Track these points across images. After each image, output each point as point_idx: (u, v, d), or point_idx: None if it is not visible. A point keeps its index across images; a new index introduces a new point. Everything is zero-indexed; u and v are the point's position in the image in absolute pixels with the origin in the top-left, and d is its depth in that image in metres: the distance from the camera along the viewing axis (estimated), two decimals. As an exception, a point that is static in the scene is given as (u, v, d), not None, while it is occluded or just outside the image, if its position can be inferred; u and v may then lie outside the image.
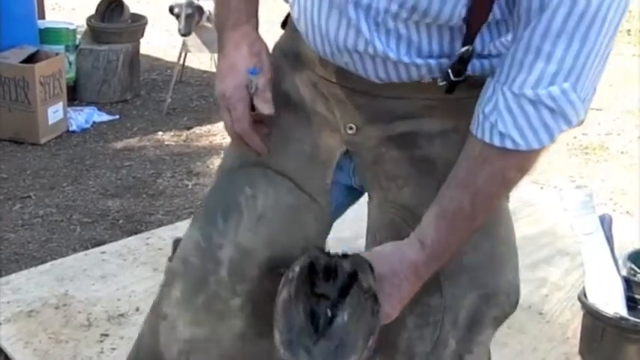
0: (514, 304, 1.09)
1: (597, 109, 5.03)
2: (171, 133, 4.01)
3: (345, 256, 0.97)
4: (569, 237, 2.37)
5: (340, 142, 1.05)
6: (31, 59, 3.75)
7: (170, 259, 1.19)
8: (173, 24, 4.27)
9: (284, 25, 1.13)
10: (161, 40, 5.65)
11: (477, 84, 0.95)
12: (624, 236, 2.45)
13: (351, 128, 1.03)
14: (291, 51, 1.09)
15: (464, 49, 0.92)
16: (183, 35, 4.07)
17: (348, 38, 0.94)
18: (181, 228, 2.51)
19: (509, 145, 0.88)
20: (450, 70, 0.93)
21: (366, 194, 1.11)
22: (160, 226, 2.82)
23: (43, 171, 3.42)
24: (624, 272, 2.06)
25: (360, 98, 1.01)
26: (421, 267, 0.97)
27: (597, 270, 1.98)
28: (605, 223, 2.01)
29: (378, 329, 0.92)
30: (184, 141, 3.92)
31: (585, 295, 1.99)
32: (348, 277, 0.93)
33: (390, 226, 1.05)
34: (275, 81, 1.07)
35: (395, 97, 0.99)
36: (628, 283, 2.01)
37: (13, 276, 2.37)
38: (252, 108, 1.03)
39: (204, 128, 4.06)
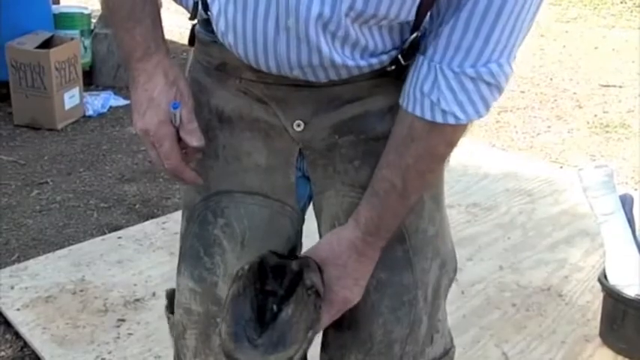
0: (455, 270, 1.13)
1: (619, 86, 4.96)
2: (187, 117, 4.00)
3: (295, 257, 1.02)
4: (590, 217, 2.34)
5: (291, 141, 1.01)
6: (47, 44, 3.76)
7: (170, 312, 1.17)
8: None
9: (192, 41, 1.06)
10: (176, 23, 5.63)
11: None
12: (646, 216, 2.41)
13: (298, 125, 0.99)
14: (212, 64, 1.03)
15: (413, 36, 0.92)
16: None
17: (301, 56, 0.89)
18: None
19: (451, 120, 0.89)
20: (400, 56, 0.94)
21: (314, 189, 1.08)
22: (176, 210, 2.81)
23: (60, 156, 3.43)
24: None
25: (303, 92, 0.97)
26: (359, 244, 0.98)
27: (618, 251, 1.94)
28: (627, 203, 1.97)
29: (319, 322, 0.97)
30: (200, 125, 3.91)
31: (606, 277, 1.96)
32: (296, 276, 0.96)
33: (349, 210, 1.01)
34: (203, 101, 1.03)
35: (340, 83, 0.96)
36: (650, 264, 1.97)
37: (31, 261, 2.38)
38: (179, 139, 0.96)
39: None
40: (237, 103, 1.01)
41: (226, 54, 0.97)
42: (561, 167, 3.49)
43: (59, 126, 3.72)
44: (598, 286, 2.03)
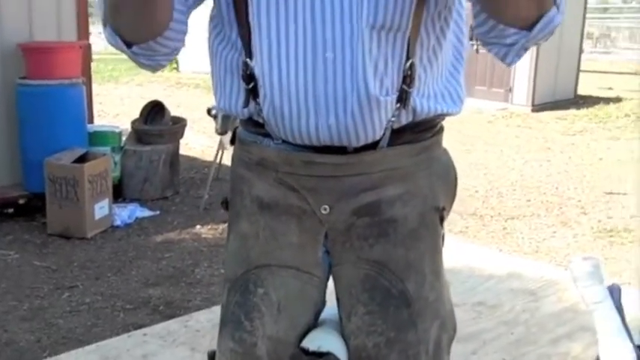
0: (455, 328, 1.32)
1: (623, 194, 5.15)
2: (208, 227, 4.24)
3: (320, 354, 1.22)
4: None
5: (319, 222, 1.22)
6: (81, 160, 4.07)
7: None
8: (210, 126, 4.58)
9: (233, 141, 1.30)
10: (199, 141, 5.99)
11: (414, 151, 1.19)
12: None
13: (325, 209, 1.21)
14: (252, 160, 1.24)
15: (408, 63, 1.11)
16: (220, 134, 4.36)
17: (337, 91, 1.09)
18: (217, 311, 2.69)
19: None
20: (399, 93, 1.12)
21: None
22: (197, 310, 2.99)
23: (89, 263, 3.65)
24: (638, 341, 2.14)
25: (328, 182, 1.19)
26: None
27: (609, 338, 2.08)
28: (615, 292, 2.12)
29: None
30: (220, 234, 4.13)
31: (599, 362, 2.08)
32: None
33: (365, 280, 1.23)
34: (245, 190, 1.26)
35: (356, 174, 1.18)
36: (641, 350, 2.09)
37: (62, 356, 2.54)
38: None
39: (240, 221, 4.27)
40: (274, 193, 1.23)
41: (265, 151, 1.21)
42: (565, 269, 3.63)
43: (89, 235, 3.97)
44: (595, 374, 2.14)
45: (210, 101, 4.51)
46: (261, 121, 1.19)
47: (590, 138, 7.52)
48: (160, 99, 5.24)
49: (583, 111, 9.15)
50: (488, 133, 7.72)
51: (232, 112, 1.22)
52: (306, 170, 1.18)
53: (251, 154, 1.25)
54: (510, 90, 9.51)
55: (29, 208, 4.24)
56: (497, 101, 9.40)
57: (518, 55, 1.11)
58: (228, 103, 1.21)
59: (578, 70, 10.27)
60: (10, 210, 4.26)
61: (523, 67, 9.24)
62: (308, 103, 1.12)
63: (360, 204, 1.20)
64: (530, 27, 1.04)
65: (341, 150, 1.16)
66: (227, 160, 5.16)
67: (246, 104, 1.18)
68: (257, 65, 1.13)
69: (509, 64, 1.14)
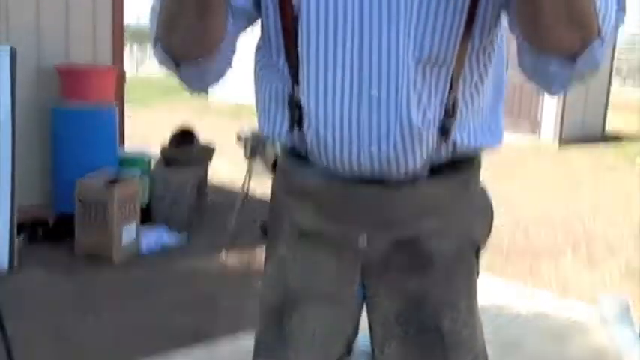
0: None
1: (651, 234, 5.09)
2: (235, 254, 4.25)
3: None
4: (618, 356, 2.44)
5: (356, 253, 1.23)
6: (111, 182, 4.11)
7: None
8: (238, 152, 4.61)
9: (274, 167, 1.32)
10: (226, 167, 6.03)
11: (453, 185, 1.20)
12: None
13: (363, 240, 1.22)
14: (293, 189, 1.26)
15: (451, 96, 1.13)
16: (249, 159, 4.37)
17: (381, 122, 1.11)
18: (242, 337, 2.70)
19: None
20: (441, 126, 1.14)
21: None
22: (222, 336, 2.99)
23: (115, 286, 3.67)
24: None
25: (367, 213, 1.20)
26: None
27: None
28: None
29: None
30: (246, 261, 4.14)
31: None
32: None
33: (400, 313, 1.24)
34: (284, 216, 1.28)
35: (395, 205, 1.19)
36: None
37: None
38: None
39: (265, 249, 4.27)
40: (313, 221, 1.24)
41: (306, 179, 1.22)
42: (594, 309, 3.58)
43: (116, 258, 4.00)
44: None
45: (238, 127, 4.55)
46: (303, 148, 1.20)
47: (618, 175, 7.45)
48: (189, 124, 5.30)
49: (611, 147, 9.08)
50: (514, 166, 7.68)
51: (276, 138, 1.24)
52: (346, 200, 1.20)
53: (292, 181, 1.27)
54: (538, 124, 9.48)
55: (58, 229, 4.29)
56: (524, 134, 9.37)
57: (563, 86, 1.10)
58: (272, 129, 1.22)
59: (607, 106, 10.22)
60: (40, 230, 4.31)
61: (551, 101, 9.21)
62: (352, 132, 1.13)
63: (399, 236, 1.21)
64: (574, 57, 1.03)
65: (381, 182, 1.17)
66: (254, 187, 5.20)
67: (290, 132, 1.19)
68: (303, 94, 1.15)
69: (554, 94, 1.15)
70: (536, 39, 1.04)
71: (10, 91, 1.58)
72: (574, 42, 1.01)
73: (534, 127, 9.52)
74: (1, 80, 1.58)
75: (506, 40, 1.22)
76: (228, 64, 1.18)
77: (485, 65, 1.17)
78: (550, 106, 9.25)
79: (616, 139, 9.66)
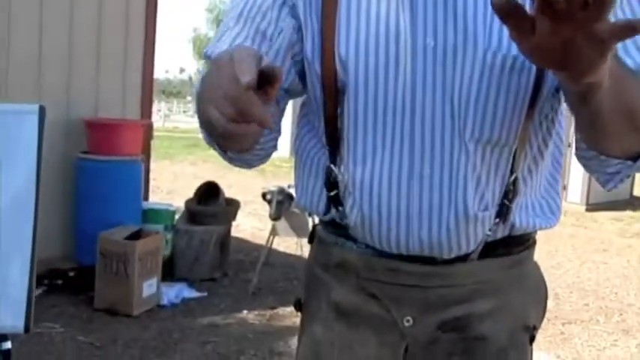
0: None
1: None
2: (256, 313, 4.16)
3: None
4: None
5: (400, 335, 1.13)
6: (134, 236, 4.07)
7: None
8: (262, 208, 4.58)
9: (311, 239, 1.23)
10: (250, 223, 5.98)
11: (506, 265, 1.11)
12: None
13: (408, 321, 1.12)
14: (331, 262, 1.16)
15: (512, 177, 1.05)
16: (274, 220, 4.32)
17: (432, 203, 1.04)
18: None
19: None
20: (499, 208, 1.06)
21: None
22: (241, 401, 2.88)
23: (134, 342, 3.59)
24: None
25: (413, 292, 1.11)
26: None
27: None
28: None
29: None
30: (268, 320, 4.05)
31: None
32: None
33: None
34: (321, 294, 1.18)
35: (444, 285, 1.10)
36: None
37: None
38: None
39: (288, 309, 4.18)
40: (353, 299, 1.15)
41: (346, 254, 1.14)
42: (629, 383, 3.43)
43: (135, 312, 3.92)
44: None
45: (263, 184, 4.51)
46: (345, 222, 1.13)
47: (648, 241, 7.28)
48: (213, 179, 5.28)
49: (639, 212, 8.92)
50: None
51: (313, 212, 1.17)
52: (390, 278, 1.11)
53: (330, 256, 1.18)
54: (565, 187, 9.36)
55: (78, 281, 4.23)
56: (551, 198, 9.25)
57: (621, 181, 1.05)
58: (309, 202, 1.16)
59: (635, 171, 10.09)
60: (59, 281, 4.26)
61: (578, 165, 9.11)
62: (400, 215, 1.06)
63: (447, 318, 1.12)
64: (634, 158, 0.97)
65: (429, 259, 1.09)
66: (277, 245, 5.14)
67: (327, 210, 1.13)
68: (346, 170, 1.08)
69: (609, 190, 1.08)
70: (595, 144, 0.98)
71: (37, 149, 1.55)
72: (634, 146, 0.96)
73: (562, 190, 9.42)
74: (29, 139, 1.54)
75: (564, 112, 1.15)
76: (273, 148, 1.14)
77: (544, 140, 1.10)
78: (577, 169, 9.15)
79: (644, 203, 9.51)
